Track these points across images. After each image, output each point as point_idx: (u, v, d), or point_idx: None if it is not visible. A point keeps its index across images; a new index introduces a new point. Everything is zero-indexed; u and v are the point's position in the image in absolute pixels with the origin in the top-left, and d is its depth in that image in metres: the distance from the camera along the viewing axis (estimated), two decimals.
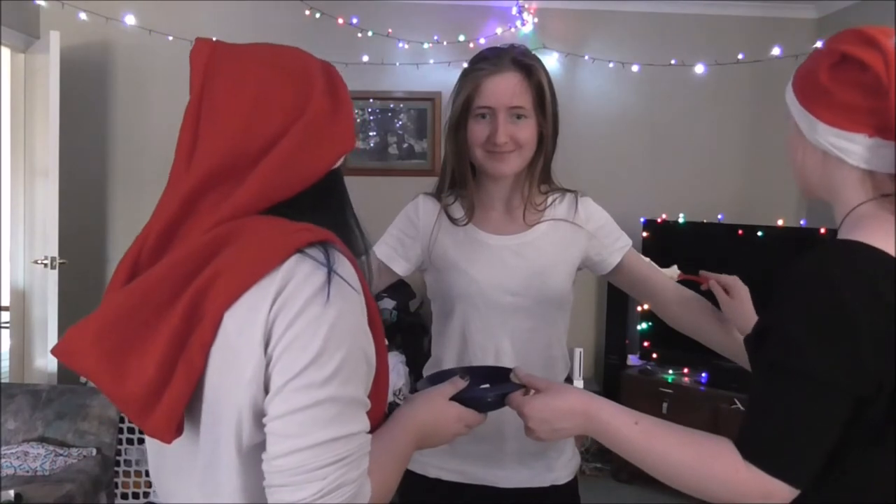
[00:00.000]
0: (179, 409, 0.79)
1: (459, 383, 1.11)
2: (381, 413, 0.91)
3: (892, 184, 0.96)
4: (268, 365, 0.78)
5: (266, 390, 0.79)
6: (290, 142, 0.84)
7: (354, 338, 0.82)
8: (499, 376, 1.22)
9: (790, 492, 0.88)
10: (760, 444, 0.90)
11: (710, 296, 1.51)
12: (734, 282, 1.45)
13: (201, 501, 0.85)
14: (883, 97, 0.91)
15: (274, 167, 0.84)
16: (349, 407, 0.79)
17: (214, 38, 0.93)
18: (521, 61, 1.43)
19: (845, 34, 0.99)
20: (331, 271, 0.80)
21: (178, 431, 0.82)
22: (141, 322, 0.79)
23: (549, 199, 1.54)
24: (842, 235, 0.96)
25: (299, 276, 0.80)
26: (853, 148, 0.95)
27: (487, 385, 1.18)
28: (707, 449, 0.94)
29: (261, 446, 0.80)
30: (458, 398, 1.09)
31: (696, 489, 0.95)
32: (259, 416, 0.79)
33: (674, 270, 1.58)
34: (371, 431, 0.85)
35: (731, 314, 1.43)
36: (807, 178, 1.05)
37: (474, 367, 1.37)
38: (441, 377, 1.24)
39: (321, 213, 0.89)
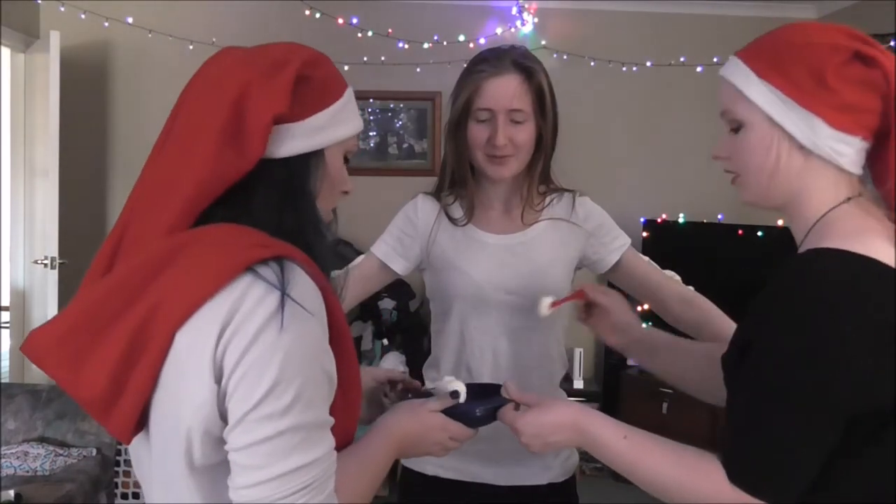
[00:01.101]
0: (132, 419, 0.80)
1: (447, 400, 1.11)
2: (354, 423, 0.90)
3: (860, 186, 0.95)
4: (225, 396, 0.77)
5: (223, 419, 0.78)
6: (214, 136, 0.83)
7: (313, 360, 0.79)
8: (489, 391, 1.22)
9: None
10: (746, 466, 0.88)
11: (706, 292, 1.50)
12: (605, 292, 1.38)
13: None
14: (886, 98, 0.89)
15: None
16: (312, 432, 0.78)
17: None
18: (522, 64, 1.42)
19: (842, 32, 0.94)
20: (284, 295, 0.77)
21: (138, 430, 0.83)
22: (98, 328, 0.79)
23: (548, 199, 1.54)
24: (812, 243, 0.93)
25: (250, 300, 0.77)
26: (848, 151, 0.92)
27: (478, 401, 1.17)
28: (694, 466, 0.93)
29: (219, 467, 0.79)
30: (447, 413, 1.09)
31: None
32: (215, 440, 0.78)
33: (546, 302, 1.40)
34: (342, 444, 0.85)
35: (611, 312, 1.36)
36: (775, 184, 0.97)
37: (468, 384, 1.37)
38: (434, 394, 1.24)
39: (284, 209, 0.87)
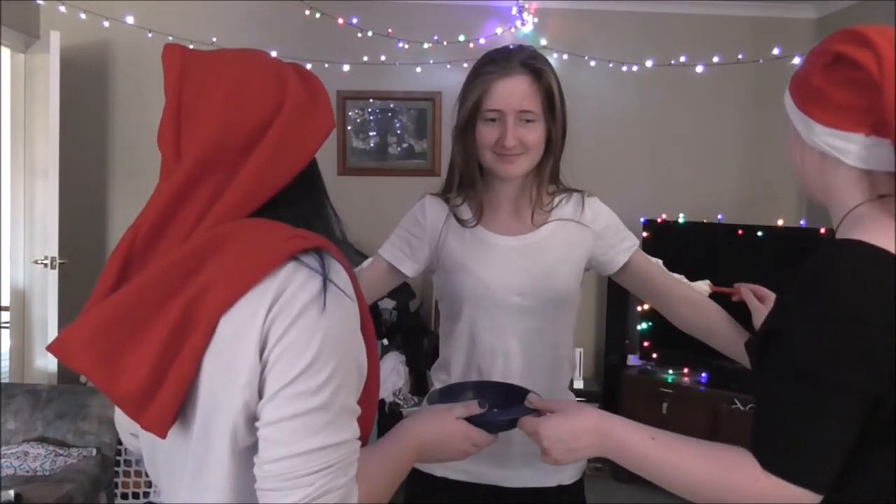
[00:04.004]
0: (172, 410, 0.81)
1: (473, 408, 1.11)
2: (372, 418, 0.91)
3: (890, 184, 0.95)
4: (263, 369, 0.79)
5: (259, 394, 0.80)
6: (277, 131, 0.85)
7: (348, 346, 0.83)
8: (510, 392, 1.23)
9: (813, 497, 0.87)
10: (780, 452, 0.89)
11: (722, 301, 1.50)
12: (765, 291, 1.44)
13: (190, 502, 0.85)
14: (877, 95, 0.90)
15: (265, 157, 0.85)
16: (340, 415, 0.80)
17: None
18: (531, 65, 1.42)
19: (838, 34, 0.98)
20: (326, 279, 0.81)
21: (172, 423, 0.83)
22: (135, 323, 0.80)
23: (556, 200, 1.53)
24: (840, 236, 0.96)
25: (295, 283, 0.80)
26: (850, 148, 0.95)
27: (497, 408, 1.17)
28: (725, 461, 0.93)
29: (253, 448, 0.81)
30: (469, 419, 1.10)
31: (716, 502, 0.94)
32: (251, 418, 0.80)
33: (704, 284, 1.57)
34: (362, 436, 0.86)
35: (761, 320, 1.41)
36: (807, 180, 1.05)
37: (485, 381, 1.36)
38: (451, 391, 1.24)
39: (306, 202, 0.91)
